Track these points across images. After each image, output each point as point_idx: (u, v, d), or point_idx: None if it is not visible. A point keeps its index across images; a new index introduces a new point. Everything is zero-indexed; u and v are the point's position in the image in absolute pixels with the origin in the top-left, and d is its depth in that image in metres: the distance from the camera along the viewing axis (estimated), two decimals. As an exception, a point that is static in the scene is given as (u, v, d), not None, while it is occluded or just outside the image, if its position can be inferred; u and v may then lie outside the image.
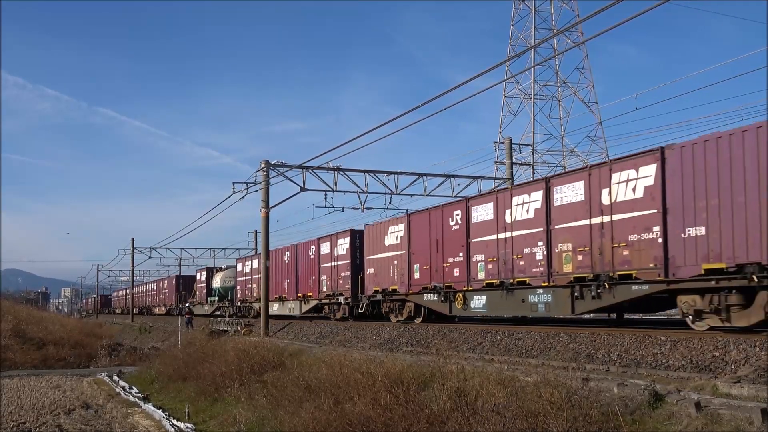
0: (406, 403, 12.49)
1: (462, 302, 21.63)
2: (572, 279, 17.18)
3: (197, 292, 54.97)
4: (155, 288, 72.71)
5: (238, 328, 34.97)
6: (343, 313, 29.67)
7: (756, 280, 12.89)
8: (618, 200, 15.89)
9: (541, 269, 18.28)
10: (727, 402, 9.29)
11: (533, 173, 51.19)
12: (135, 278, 77.10)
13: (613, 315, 21.26)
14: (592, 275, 16.62)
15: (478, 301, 21.08)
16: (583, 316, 21.80)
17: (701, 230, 14.03)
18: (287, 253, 36.10)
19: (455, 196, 32.07)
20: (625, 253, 15.71)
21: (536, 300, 18.68)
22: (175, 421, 19.25)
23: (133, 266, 71.34)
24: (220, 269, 51.92)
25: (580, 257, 16.96)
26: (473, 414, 11.20)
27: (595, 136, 55.89)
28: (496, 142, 37.76)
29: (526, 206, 18.94)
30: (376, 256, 26.97)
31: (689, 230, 14.27)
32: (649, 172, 15.21)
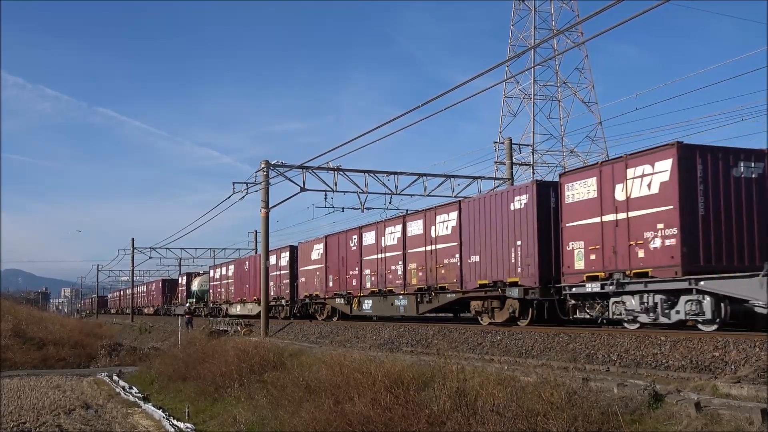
0: (406, 403, 12.50)
1: (357, 305, 28.17)
2: (416, 289, 23.92)
3: (179, 295, 61.06)
4: (145, 290, 79.15)
5: (238, 328, 35.02)
6: (285, 313, 35.93)
7: (501, 291, 19.60)
8: (439, 235, 22.79)
9: (400, 281, 24.99)
10: (727, 402, 9.29)
11: (533, 173, 51.23)
12: (135, 278, 77.19)
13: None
14: (426, 286, 23.37)
15: (367, 304, 27.56)
16: (583, 316, 23.54)
17: (477, 258, 20.62)
18: (246, 262, 42.84)
19: (455, 197, 32.13)
20: (442, 272, 22.46)
21: (398, 303, 25.20)
22: (175, 421, 19.25)
23: (133, 266, 71.37)
24: (198, 275, 57.07)
25: (420, 274, 23.81)
26: (473, 414, 11.20)
27: (595, 137, 55.92)
28: (496, 143, 37.79)
29: (394, 235, 25.53)
30: (305, 268, 33.55)
31: (471, 258, 20.86)
32: (453, 217, 22.11)
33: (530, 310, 18.83)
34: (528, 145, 47.47)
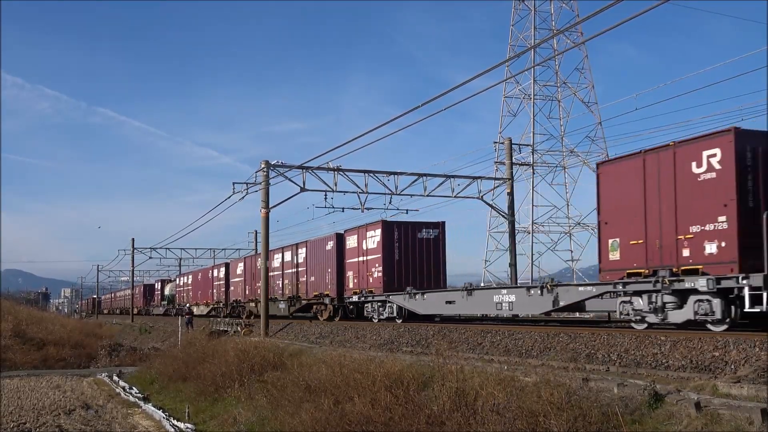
0: (405, 403, 12.50)
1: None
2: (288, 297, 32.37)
3: (156, 297, 72.88)
4: (130, 293, 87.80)
5: (238, 328, 35.02)
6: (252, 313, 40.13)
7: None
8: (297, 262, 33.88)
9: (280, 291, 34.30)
10: (727, 402, 9.29)
11: (533, 173, 51.22)
12: (135, 279, 77.28)
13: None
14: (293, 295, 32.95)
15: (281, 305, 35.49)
16: (584, 316, 24.84)
17: (312, 278, 32.34)
18: (200, 274, 52.83)
19: (455, 197, 32.12)
20: (301, 287, 32.52)
21: (282, 306, 35.16)
22: (175, 422, 19.26)
23: (133, 266, 71.39)
24: (169, 281, 69.55)
25: (290, 287, 34.40)
26: (473, 414, 11.20)
27: (595, 137, 55.92)
28: (496, 143, 37.75)
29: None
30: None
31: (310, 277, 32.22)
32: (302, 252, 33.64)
33: (339, 310, 30.03)
34: (528, 145, 47.55)
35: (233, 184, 31.29)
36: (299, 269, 34.01)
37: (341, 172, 29.98)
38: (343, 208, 32.92)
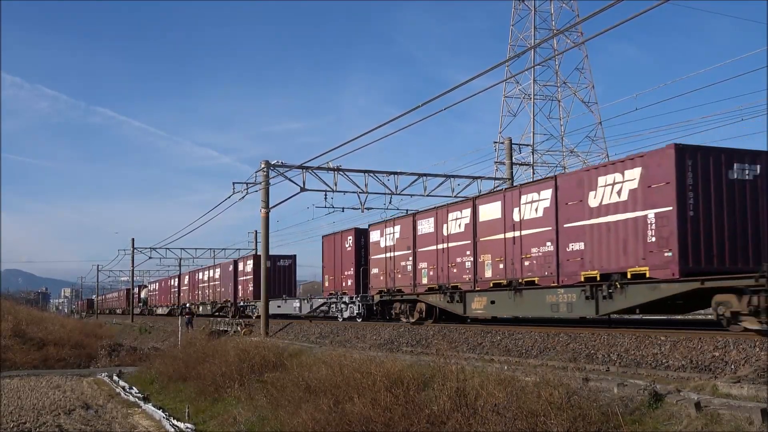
0: (406, 403, 12.50)
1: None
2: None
3: (135, 300, 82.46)
4: (116, 296, 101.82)
5: (238, 328, 35.03)
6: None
7: None
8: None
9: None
10: (727, 402, 9.29)
11: (533, 173, 51.28)
12: (135, 279, 77.38)
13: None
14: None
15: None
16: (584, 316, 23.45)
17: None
18: (163, 282, 64.71)
19: (455, 197, 32.14)
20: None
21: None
22: (175, 422, 19.26)
23: (133, 267, 71.39)
24: (145, 286, 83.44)
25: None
26: (473, 414, 11.20)
27: (595, 137, 55.96)
28: (496, 143, 37.77)
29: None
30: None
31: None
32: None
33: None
34: (528, 145, 47.54)
35: (233, 184, 31.32)
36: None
37: (341, 172, 29.98)
38: (343, 208, 32.98)
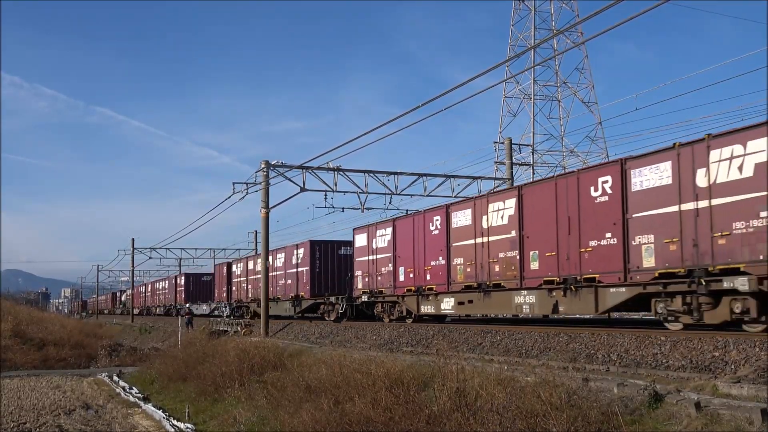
0: (406, 403, 12.50)
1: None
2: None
3: (119, 301, 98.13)
4: (104, 298, 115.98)
5: (238, 328, 35.03)
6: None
7: None
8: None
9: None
10: (727, 402, 9.29)
11: (533, 174, 51.27)
12: (135, 279, 77.47)
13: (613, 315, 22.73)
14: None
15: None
16: (584, 316, 23.61)
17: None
18: (135, 289, 75.68)
19: (455, 197, 32.15)
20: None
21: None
22: (175, 422, 19.26)
23: (133, 267, 71.41)
24: (124, 291, 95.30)
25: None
26: (473, 414, 11.20)
27: (595, 136, 55.99)
28: (496, 143, 37.77)
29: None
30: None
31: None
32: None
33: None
34: (528, 145, 47.53)
35: (233, 184, 31.31)
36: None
37: (341, 172, 29.98)
38: (343, 208, 33.00)
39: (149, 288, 75.99)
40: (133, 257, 69.18)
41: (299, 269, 33.90)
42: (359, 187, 30.47)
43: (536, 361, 14.67)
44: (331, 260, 32.87)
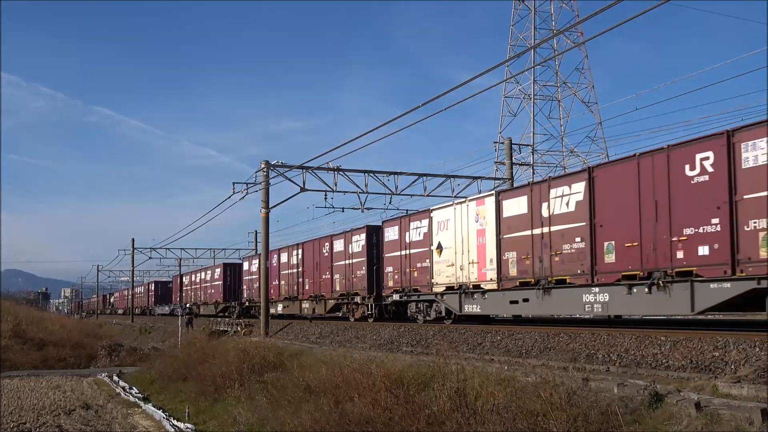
0: (406, 403, 12.49)
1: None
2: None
3: (107, 302, 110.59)
4: (95, 299, 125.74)
5: (238, 328, 35.03)
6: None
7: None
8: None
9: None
10: (727, 402, 9.29)
11: (533, 174, 51.27)
12: (135, 279, 77.57)
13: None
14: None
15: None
16: (584, 316, 23.29)
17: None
18: (117, 292, 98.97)
19: (455, 196, 32.16)
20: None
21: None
22: (175, 422, 19.26)
23: (133, 267, 71.43)
24: (112, 294, 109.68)
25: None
26: (473, 414, 11.20)
27: (595, 137, 55.96)
28: (496, 143, 37.78)
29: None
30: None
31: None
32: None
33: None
34: (528, 145, 47.37)
35: (233, 184, 31.31)
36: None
37: (341, 172, 29.99)
38: (343, 208, 33.01)
39: (129, 292, 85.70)
40: (133, 257, 69.23)
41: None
42: (359, 187, 30.49)
43: (536, 361, 14.67)
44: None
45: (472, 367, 13.61)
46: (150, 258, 67.49)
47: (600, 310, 16.33)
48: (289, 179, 29.82)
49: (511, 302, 19.40)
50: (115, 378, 31.74)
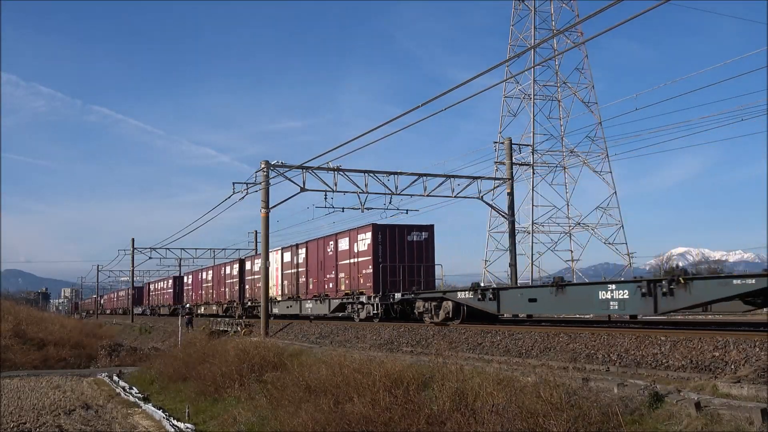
0: (405, 403, 12.49)
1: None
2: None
3: (99, 303, 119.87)
4: (88, 300, 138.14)
5: (238, 328, 35.02)
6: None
7: None
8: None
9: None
10: (727, 402, 9.28)
11: (533, 173, 51.16)
12: (135, 279, 77.50)
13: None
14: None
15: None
16: (584, 317, 23.34)
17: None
18: (105, 295, 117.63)
19: (455, 197, 32.15)
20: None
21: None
22: (175, 422, 19.25)
23: (133, 267, 71.43)
24: (102, 296, 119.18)
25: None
26: (473, 414, 11.20)
27: (595, 137, 55.89)
28: (495, 143, 37.72)
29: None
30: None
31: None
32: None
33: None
34: (528, 145, 47.42)
35: (233, 184, 31.29)
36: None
37: (341, 172, 29.99)
38: (343, 208, 32.90)
39: (115, 295, 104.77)
40: (133, 257, 69.25)
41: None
42: (359, 187, 30.47)
43: (536, 361, 14.67)
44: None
45: (472, 367, 13.61)
46: (150, 258, 67.59)
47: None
48: (289, 179, 29.83)
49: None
50: (115, 378, 31.73)
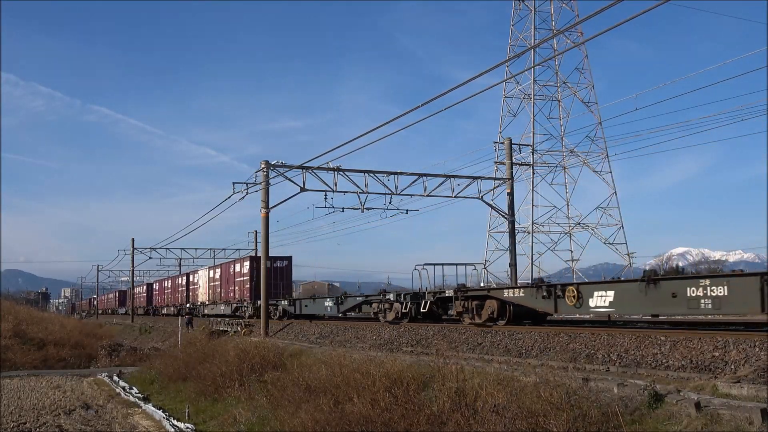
0: (405, 403, 12.49)
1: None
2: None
3: (95, 304, 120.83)
4: (85, 301, 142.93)
5: (238, 328, 35.03)
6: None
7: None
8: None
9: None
10: (727, 402, 9.29)
11: (533, 173, 51.16)
12: (135, 279, 77.42)
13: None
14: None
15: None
16: (584, 317, 23.23)
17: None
18: (100, 296, 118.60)
19: (455, 197, 32.18)
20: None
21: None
22: (175, 422, 19.25)
23: (133, 267, 71.43)
24: (94, 298, 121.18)
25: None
26: (473, 414, 11.20)
27: (595, 136, 55.92)
28: (496, 143, 37.72)
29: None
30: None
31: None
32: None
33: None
34: (528, 145, 47.42)
35: (233, 184, 31.32)
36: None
37: (341, 172, 30.00)
38: (343, 208, 32.93)
39: (107, 296, 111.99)
40: (133, 257, 69.24)
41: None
42: (359, 187, 30.49)
43: (536, 361, 14.67)
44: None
45: (472, 367, 13.61)
46: (150, 258, 67.60)
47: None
48: (289, 179, 29.84)
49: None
50: (115, 378, 31.73)
